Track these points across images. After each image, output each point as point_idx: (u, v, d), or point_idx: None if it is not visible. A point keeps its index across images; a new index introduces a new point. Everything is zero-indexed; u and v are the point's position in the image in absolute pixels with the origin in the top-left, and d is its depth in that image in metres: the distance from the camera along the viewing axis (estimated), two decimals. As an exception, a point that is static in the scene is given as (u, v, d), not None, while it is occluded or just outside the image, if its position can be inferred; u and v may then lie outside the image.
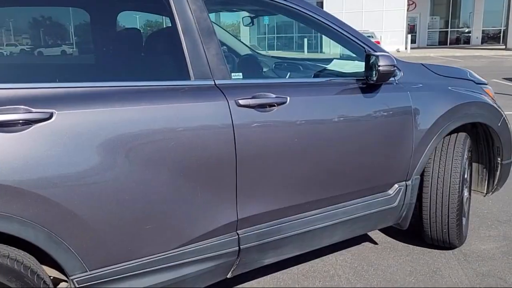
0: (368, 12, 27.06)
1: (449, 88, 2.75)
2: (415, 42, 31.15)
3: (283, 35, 31.93)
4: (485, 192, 3.16)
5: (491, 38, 33.15)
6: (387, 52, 2.42)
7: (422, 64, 2.79)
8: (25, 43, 2.16)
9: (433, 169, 2.72)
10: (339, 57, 3.96)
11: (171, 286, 1.93)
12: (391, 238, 3.14)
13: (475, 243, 3.03)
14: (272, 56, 3.66)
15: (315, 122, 2.21)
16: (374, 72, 2.28)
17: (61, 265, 1.67)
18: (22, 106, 1.56)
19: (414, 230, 3.01)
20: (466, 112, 2.75)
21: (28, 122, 1.56)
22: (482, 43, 32.69)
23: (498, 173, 3.04)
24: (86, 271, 1.71)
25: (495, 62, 18.60)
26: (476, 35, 32.99)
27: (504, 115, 2.93)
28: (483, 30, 33.13)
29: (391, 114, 2.47)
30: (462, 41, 33.87)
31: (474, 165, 3.15)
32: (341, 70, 2.79)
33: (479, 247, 2.97)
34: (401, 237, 3.12)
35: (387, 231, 3.21)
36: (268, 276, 2.68)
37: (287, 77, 2.97)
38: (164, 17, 2.65)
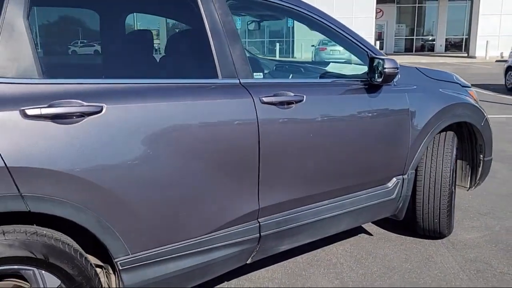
0: (338, 18, 27.60)
1: (440, 90, 3.00)
2: (382, 49, 31.98)
3: (254, 40, 32.21)
4: (468, 186, 3.44)
5: (454, 46, 34.48)
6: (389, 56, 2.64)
7: (416, 68, 3.03)
8: (82, 43, 2.28)
9: (425, 165, 2.95)
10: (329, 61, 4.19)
11: (202, 269, 2.08)
12: (384, 230, 3.37)
13: (460, 233, 3.29)
14: (270, 59, 3.85)
15: (327, 119, 2.40)
16: (378, 74, 2.50)
17: (107, 248, 1.79)
18: (76, 100, 1.68)
19: (406, 222, 3.25)
20: (455, 112, 3.00)
21: (82, 115, 1.68)
22: (445, 50, 33.95)
23: (480, 169, 3.32)
24: (129, 254, 1.84)
25: (460, 69, 19.38)
26: (440, 43, 34.25)
27: (486, 116, 3.21)
28: (446, 39, 34.42)
29: (392, 113, 2.69)
30: (427, 48, 35.07)
31: (458, 161, 3.42)
32: (340, 72, 3.00)
33: (465, 237, 3.24)
34: (394, 229, 3.35)
35: (380, 223, 3.44)
36: (276, 264, 2.85)
37: (290, 78, 3.15)
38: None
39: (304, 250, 3.00)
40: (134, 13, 2.97)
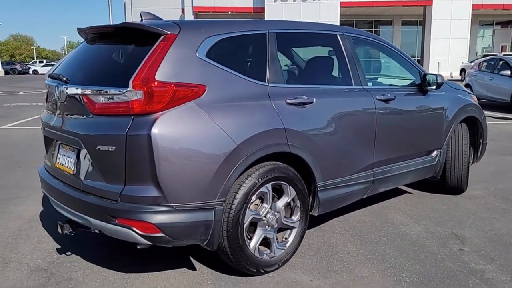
0: (305, 41, 29.80)
1: (458, 95, 4.65)
2: (344, 69, 34.45)
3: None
4: (472, 162, 5.08)
5: (408, 67, 37.54)
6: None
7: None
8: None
9: (451, 143, 4.56)
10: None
11: (347, 196, 3.55)
12: (420, 191, 4.94)
13: (470, 191, 4.91)
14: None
15: (406, 110, 3.97)
16: (429, 83, 4.10)
17: (315, 176, 3.22)
18: (303, 96, 3.14)
19: (433, 185, 4.83)
20: (467, 109, 4.65)
21: (305, 103, 3.14)
22: (400, 71, 36.90)
23: (480, 149, 4.99)
24: (322, 181, 3.28)
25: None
26: (395, 64, 37.21)
27: (483, 113, 4.89)
28: (400, 60, 37.48)
29: (436, 108, 4.29)
30: (383, 69, 37.96)
31: (465, 145, 5.06)
32: (393, 83, 4.59)
33: (474, 193, 4.86)
34: (426, 190, 4.93)
35: (415, 187, 5.01)
36: (362, 209, 4.33)
37: (383, 85, 4.75)
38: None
39: (375, 201, 4.51)
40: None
